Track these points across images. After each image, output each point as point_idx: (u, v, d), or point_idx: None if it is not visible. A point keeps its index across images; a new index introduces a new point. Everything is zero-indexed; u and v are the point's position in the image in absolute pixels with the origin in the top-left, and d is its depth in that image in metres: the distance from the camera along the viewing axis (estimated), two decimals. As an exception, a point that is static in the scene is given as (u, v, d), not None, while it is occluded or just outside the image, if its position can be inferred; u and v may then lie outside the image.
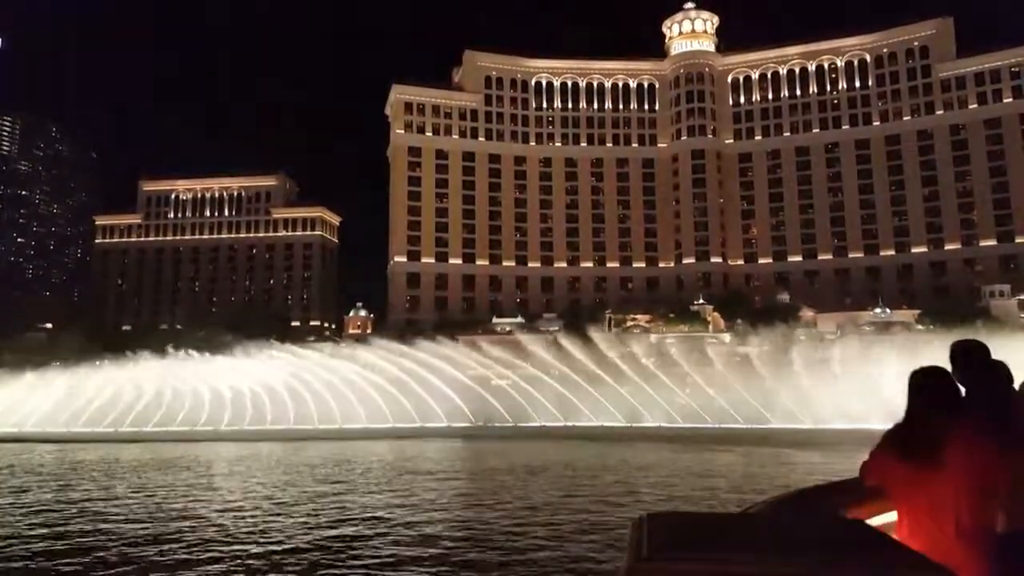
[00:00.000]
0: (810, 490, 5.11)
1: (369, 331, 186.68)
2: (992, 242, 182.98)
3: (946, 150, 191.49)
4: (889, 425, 5.18)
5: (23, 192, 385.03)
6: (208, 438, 78.62)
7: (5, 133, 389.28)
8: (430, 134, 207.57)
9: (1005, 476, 4.52)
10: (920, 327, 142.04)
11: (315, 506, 30.62)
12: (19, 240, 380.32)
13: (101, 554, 21.33)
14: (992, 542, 4.44)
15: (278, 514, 28.48)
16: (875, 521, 4.80)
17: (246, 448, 65.39)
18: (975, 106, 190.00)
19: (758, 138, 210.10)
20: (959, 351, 5.20)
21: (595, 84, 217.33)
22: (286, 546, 22.50)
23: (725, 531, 3.64)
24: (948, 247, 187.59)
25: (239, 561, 20.21)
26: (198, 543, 22.57)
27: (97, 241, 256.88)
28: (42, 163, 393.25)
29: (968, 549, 4.47)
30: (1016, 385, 5.20)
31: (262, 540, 23.27)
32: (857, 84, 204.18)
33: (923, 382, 5.10)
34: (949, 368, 5.20)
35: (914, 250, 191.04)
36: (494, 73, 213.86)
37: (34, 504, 32.18)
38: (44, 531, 25.22)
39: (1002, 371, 5.09)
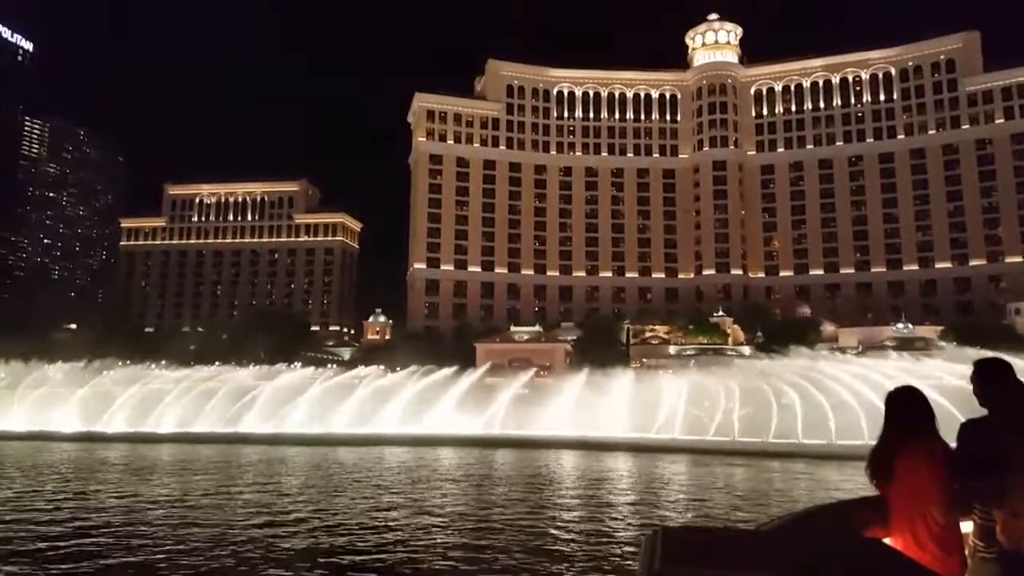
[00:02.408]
0: (825, 507, 5.03)
1: (387, 337, 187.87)
2: (1018, 259, 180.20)
3: (972, 165, 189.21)
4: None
5: (51, 194, 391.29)
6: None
7: (35, 136, 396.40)
8: (452, 142, 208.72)
9: None
10: (943, 343, 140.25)
11: None
12: (46, 241, 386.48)
13: None
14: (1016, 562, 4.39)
15: None
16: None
17: None
18: (1001, 121, 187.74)
19: (781, 150, 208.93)
20: (979, 369, 5.14)
21: (617, 94, 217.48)
22: None
23: (739, 547, 3.55)
24: (973, 263, 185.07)
25: None
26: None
27: (122, 243, 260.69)
28: (70, 166, 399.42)
29: (939, 566, 4.45)
30: None
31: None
32: (882, 97, 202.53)
33: (895, 401, 5.11)
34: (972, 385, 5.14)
35: (938, 265, 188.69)
36: (516, 82, 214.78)
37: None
38: None
39: (1021, 389, 5.01)
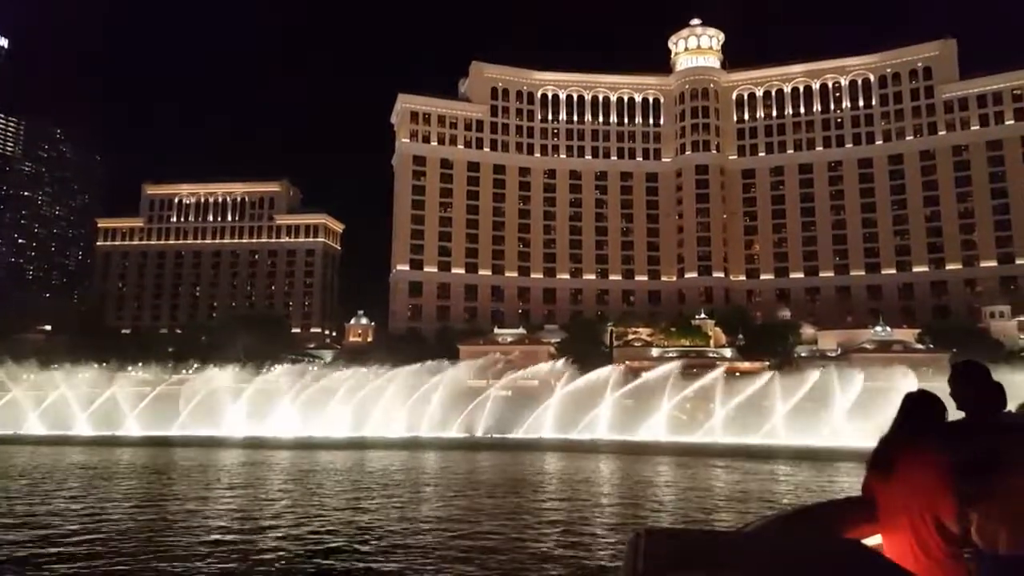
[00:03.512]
0: (807, 508, 5.02)
1: (370, 339, 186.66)
2: (992, 263, 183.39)
3: (948, 170, 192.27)
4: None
5: (26, 193, 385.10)
6: None
7: (10, 134, 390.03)
8: (435, 144, 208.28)
9: (1005, 498, 4.46)
10: (920, 346, 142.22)
11: None
12: (20, 241, 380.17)
13: None
14: (994, 564, 4.39)
15: None
16: (871, 541, 4.76)
17: None
18: (977, 127, 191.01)
19: (761, 155, 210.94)
20: (957, 372, 5.18)
21: (600, 98, 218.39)
22: None
23: (722, 549, 3.56)
24: (949, 267, 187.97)
25: None
26: None
27: (99, 244, 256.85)
28: (46, 165, 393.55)
29: (941, 570, 4.46)
30: (1011, 406, 5.17)
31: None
32: (861, 103, 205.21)
33: (906, 403, 5.14)
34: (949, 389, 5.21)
35: (915, 269, 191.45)
36: (500, 85, 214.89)
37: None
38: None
39: (998, 392, 5.06)
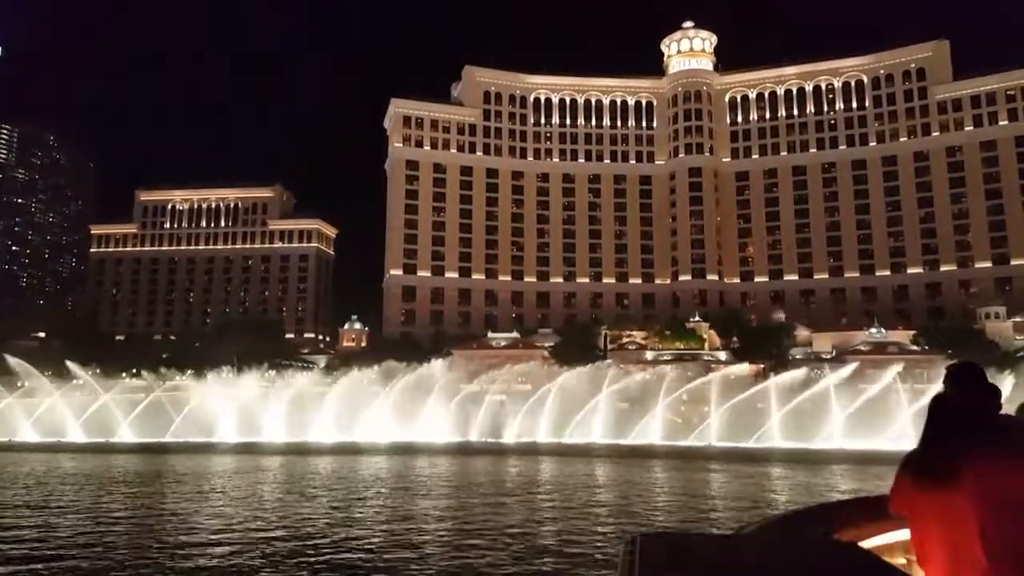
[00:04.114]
0: (802, 512, 4.92)
1: (363, 344, 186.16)
2: (987, 264, 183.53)
3: (942, 171, 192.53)
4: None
5: (19, 200, 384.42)
6: None
7: (3, 141, 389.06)
8: (428, 148, 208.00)
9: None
10: (915, 348, 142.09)
11: None
12: (14, 248, 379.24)
13: None
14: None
15: None
16: (867, 544, 4.59)
17: None
18: (971, 128, 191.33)
19: (755, 157, 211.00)
20: (951, 372, 5.06)
21: (593, 101, 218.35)
22: None
23: (717, 553, 3.57)
24: (943, 268, 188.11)
25: None
26: None
27: (93, 250, 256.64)
28: (39, 172, 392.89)
29: (1000, 572, 4.26)
30: (1006, 407, 5.08)
31: None
32: (854, 105, 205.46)
33: (937, 406, 4.96)
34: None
35: (910, 271, 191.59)
36: (493, 88, 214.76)
37: None
38: None
39: (992, 393, 4.93)
